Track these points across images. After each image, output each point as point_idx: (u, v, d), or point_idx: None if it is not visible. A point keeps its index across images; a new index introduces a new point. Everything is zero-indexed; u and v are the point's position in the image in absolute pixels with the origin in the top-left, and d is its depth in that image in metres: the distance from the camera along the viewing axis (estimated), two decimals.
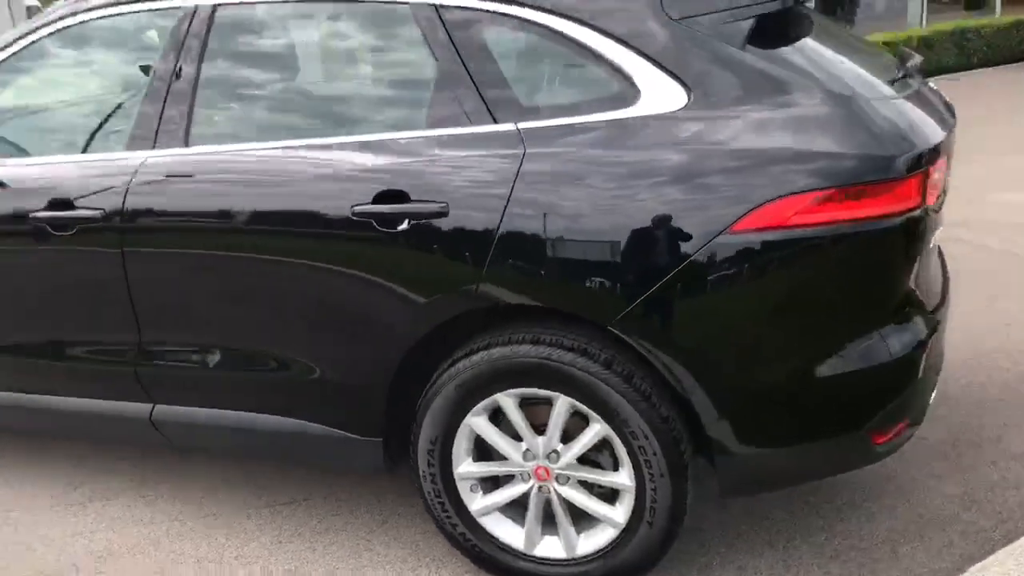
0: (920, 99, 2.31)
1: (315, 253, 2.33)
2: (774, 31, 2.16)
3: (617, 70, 2.14)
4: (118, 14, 2.65)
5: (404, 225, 2.21)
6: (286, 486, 2.98)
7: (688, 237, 2.02)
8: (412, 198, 2.20)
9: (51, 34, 2.73)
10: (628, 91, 2.13)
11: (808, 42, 2.26)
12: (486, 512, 2.42)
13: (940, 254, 2.73)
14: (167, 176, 2.48)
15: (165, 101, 2.51)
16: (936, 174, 2.14)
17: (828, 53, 2.27)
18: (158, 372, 2.64)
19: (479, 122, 2.23)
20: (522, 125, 2.19)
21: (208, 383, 2.61)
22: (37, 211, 2.58)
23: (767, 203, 1.98)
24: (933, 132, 2.15)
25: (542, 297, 2.18)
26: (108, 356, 2.69)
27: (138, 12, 2.63)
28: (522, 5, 2.22)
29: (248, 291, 2.46)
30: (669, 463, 2.17)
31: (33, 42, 2.75)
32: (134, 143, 2.55)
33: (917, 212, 2.06)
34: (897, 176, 2.00)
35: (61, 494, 3.02)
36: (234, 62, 2.53)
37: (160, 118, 2.51)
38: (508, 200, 2.13)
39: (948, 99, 2.63)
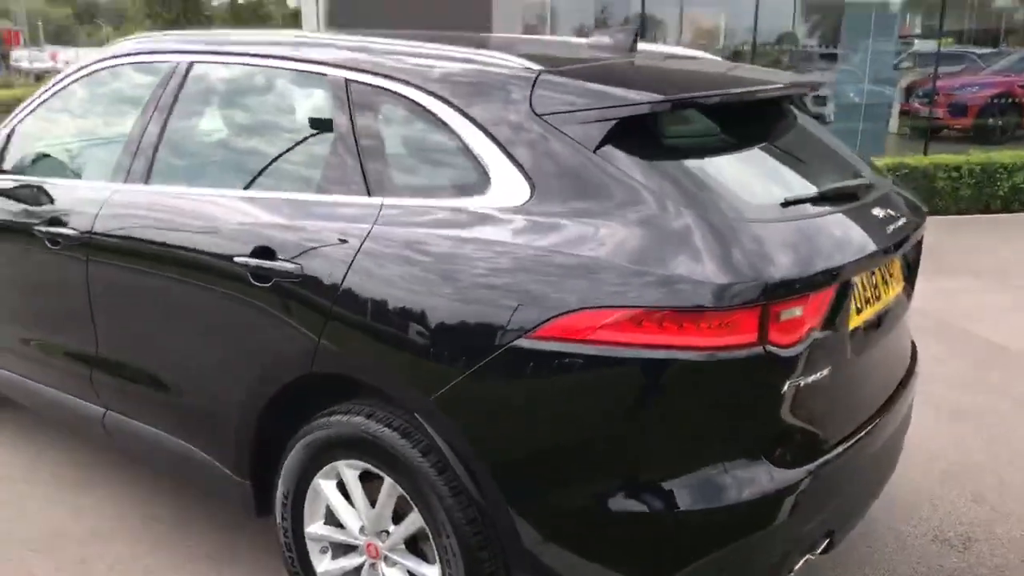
0: (835, 223, 2.09)
1: (206, 290, 2.48)
2: (640, 137, 2.04)
3: (476, 158, 2.12)
4: (131, 63, 3.00)
5: (269, 283, 2.30)
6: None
7: (490, 337, 1.95)
8: (278, 256, 2.29)
9: (76, 80, 3.14)
10: (481, 180, 2.10)
11: (687, 149, 2.12)
12: None
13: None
14: (124, 206, 2.75)
15: (139, 143, 2.79)
16: (798, 310, 1.91)
17: (711, 163, 2.11)
18: (106, 380, 2.91)
19: (356, 192, 2.28)
20: (385, 201, 2.22)
21: (129, 396, 2.84)
22: (42, 225, 2.95)
23: (568, 313, 1.87)
24: (800, 263, 1.92)
25: (362, 372, 2.19)
26: (74, 359, 3.01)
27: (141, 64, 2.96)
28: (412, 86, 2.26)
29: (155, 315, 2.66)
30: (467, 567, 2.08)
31: (64, 86, 3.17)
32: (114, 176, 2.85)
33: (750, 350, 1.85)
34: (718, 307, 1.82)
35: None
36: (186, 116, 2.77)
37: (133, 157, 2.80)
38: (347, 271, 2.16)
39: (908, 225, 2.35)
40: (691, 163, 2.07)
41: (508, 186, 2.06)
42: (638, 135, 2.04)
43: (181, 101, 2.76)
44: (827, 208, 2.14)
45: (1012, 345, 4.96)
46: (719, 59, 2.98)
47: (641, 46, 2.66)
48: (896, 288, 2.44)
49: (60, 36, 67.23)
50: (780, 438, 1.99)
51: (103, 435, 3.01)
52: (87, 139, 3.19)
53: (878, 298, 2.29)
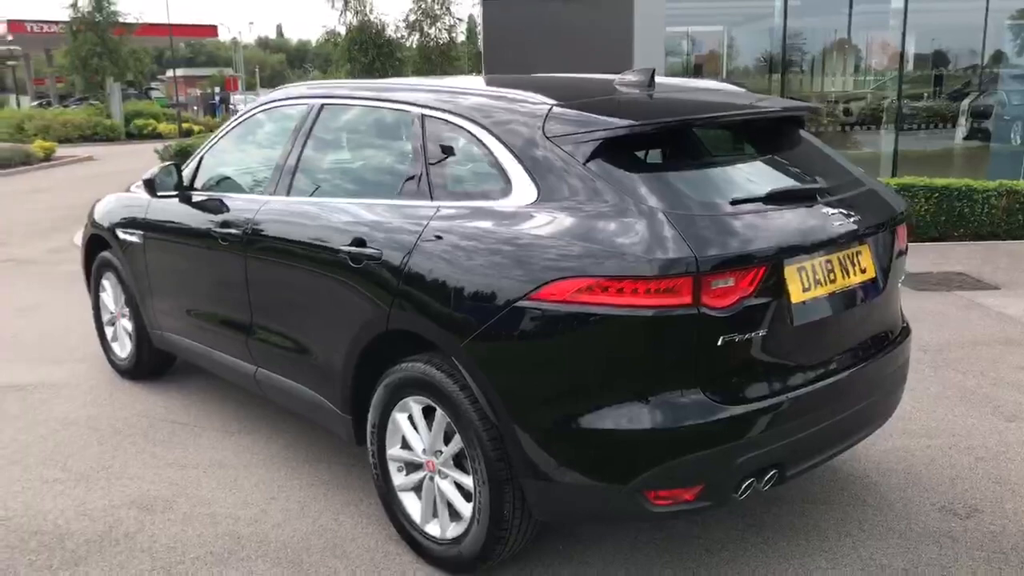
0: (774, 218, 2.66)
1: (322, 272, 3.32)
2: (620, 152, 2.71)
3: (504, 171, 2.86)
4: (282, 106, 3.97)
5: (361, 264, 3.13)
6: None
7: (500, 299, 2.66)
8: (367, 245, 3.12)
9: (246, 119, 4.14)
10: (506, 187, 2.84)
11: (662, 161, 2.76)
12: (403, 488, 3.19)
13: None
14: (271, 212, 3.68)
15: (284, 165, 3.73)
16: (730, 281, 2.50)
17: (679, 172, 2.74)
18: (256, 344, 3.85)
19: (422, 198, 3.07)
20: (440, 203, 2.99)
21: (273, 355, 3.75)
22: (217, 227, 3.93)
23: (553, 281, 2.56)
24: (732, 247, 2.51)
25: (419, 327, 2.94)
26: (235, 328, 3.97)
27: (288, 106, 3.92)
28: (464, 118, 3.04)
29: (290, 292, 3.55)
30: (489, 474, 2.78)
31: (238, 123, 4.20)
32: (267, 190, 3.80)
33: (687, 310, 2.46)
34: (661, 276, 2.44)
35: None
36: (316, 144, 3.68)
37: (280, 175, 3.74)
38: (409, 255, 2.95)
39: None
40: (660, 172, 2.72)
41: (523, 190, 2.78)
42: (619, 150, 2.71)
43: (313, 134, 3.67)
44: (771, 207, 2.70)
45: None
46: (737, 89, 3.55)
47: (667, 80, 3.32)
48: (861, 274, 2.93)
49: (273, 80, 73.78)
50: (718, 380, 2.57)
51: (256, 387, 3.95)
52: (253, 163, 4.18)
53: (833, 281, 2.81)
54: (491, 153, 2.92)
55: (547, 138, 2.80)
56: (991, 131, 11.90)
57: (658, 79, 3.25)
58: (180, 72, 51.79)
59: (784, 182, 3.00)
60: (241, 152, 4.28)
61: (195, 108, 41.66)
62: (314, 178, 3.67)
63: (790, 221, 2.73)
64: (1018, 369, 4.93)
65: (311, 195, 3.62)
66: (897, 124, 10.86)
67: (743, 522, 3.32)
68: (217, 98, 42.25)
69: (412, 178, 3.17)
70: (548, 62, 7.96)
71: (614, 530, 3.26)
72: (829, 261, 2.81)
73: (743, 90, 3.57)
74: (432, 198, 3.06)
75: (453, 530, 3.01)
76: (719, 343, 2.53)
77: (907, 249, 3.31)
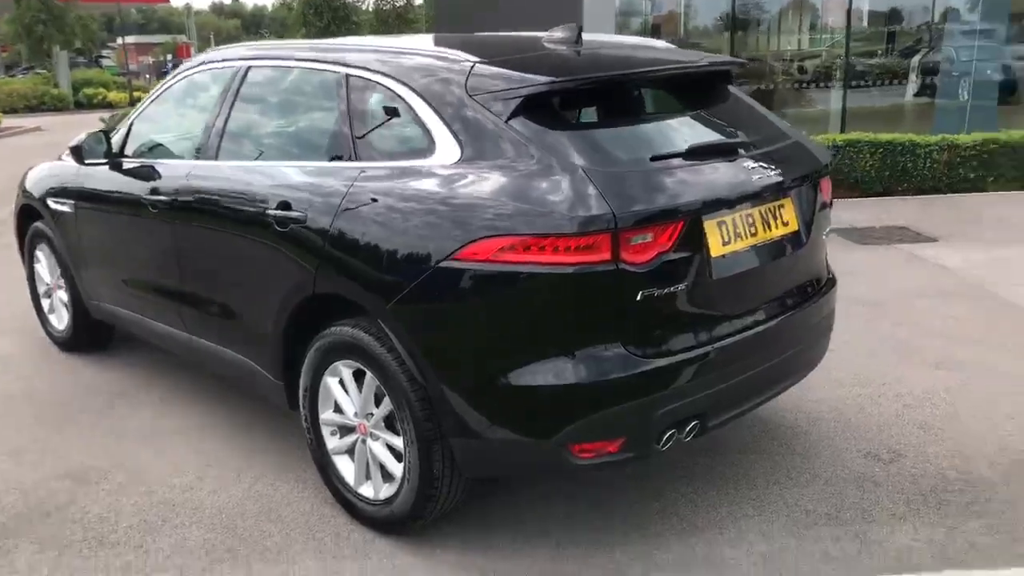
0: (694, 174, 2.69)
1: (251, 237, 3.29)
2: (542, 109, 2.70)
3: (428, 130, 2.84)
4: (210, 69, 3.89)
5: (286, 228, 3.10)
6: None
7: (425, 259, 2.66)
8: (292, 208, 3.09)
9: (181, 80, 4.06)
10: (429, 146, 2.82)
11: (585, 118, 2.75)
12: (337, 451, 3.20)
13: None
14: (198, 178, 3.62)
15: (211, 129, 3.67)
16: (648, 237, 2.52)
17: (600, 128, 2.75)
18: (188, 311, 3.81)
19: (347, 158, 3.05)
20: (363, 164, 2.97)
21: (205, 322, 3.72)
22: (146, 194, 3.87)
23: (476, 241, 2.56)
24: (648, 203, 2.53)
25: (345, 291, 2.94)
26: (168, 296, 3.93)
27: (216, 69, 3.85)
28: (389, 77, 3.01)
29: (219, 258, 3.52)
30: (418, 434, 2.80)
31: (167, 89, 4.12)
32: (194, 155, 3.74)
33: (607, 266, 2.48)
34: (581, 233, 2.46)
35: None
36: (242, 107, 3.62)
37: (207, 139, 3.68)
38: (334, 217, 2.93)
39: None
40: (583, 129, 2.73)
41: (446, 149, 2.77)
42: (542, 108, 2.71)
43: (240, 97, 3.61)
44: (692, 162, 2.72)
45: None
46: (666, 45, 3.56)
47: (591, 37, 3.31)
48: (784, 228, 2.97)
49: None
50: (639, 334, 2.61)
51: (190, 355, 3.92)
52: (182, 128, 4.11)
53: (754, 234, 2.84)
54: (414, 112, 2.89)
55: (470, 96, 2.78)
56: (938, 87, 12.01)
57: (586, 36, 3.23)
58: (131, 39, 50.55)
59: (706, 137, 3.01)
60: (170, 117, 4.20)
61: (147, 76, 40.78)
62: (241, 142, 3.61)
63: (710, 176, 2.75)
64: (949, 319, 5.05)
65: (238, 159, 3.57)
66: (845, 81, 10.95)
67: (674, 473, 3.39)
68: (170, 66, 41.34)
69: (337, 139, 3.14)
70: (497, 23, 7.89)
71: (552, 488, 3.31)
72: (750, 215, 2.85)
73: (672, 46, 3.57)
74: (357, 159, 3.03)
75: (386, 491, 3.03)
76: (639, 298, 2.56)
77: (831, 202, 3.36)
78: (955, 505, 3.14)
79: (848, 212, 7.82)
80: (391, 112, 3.00)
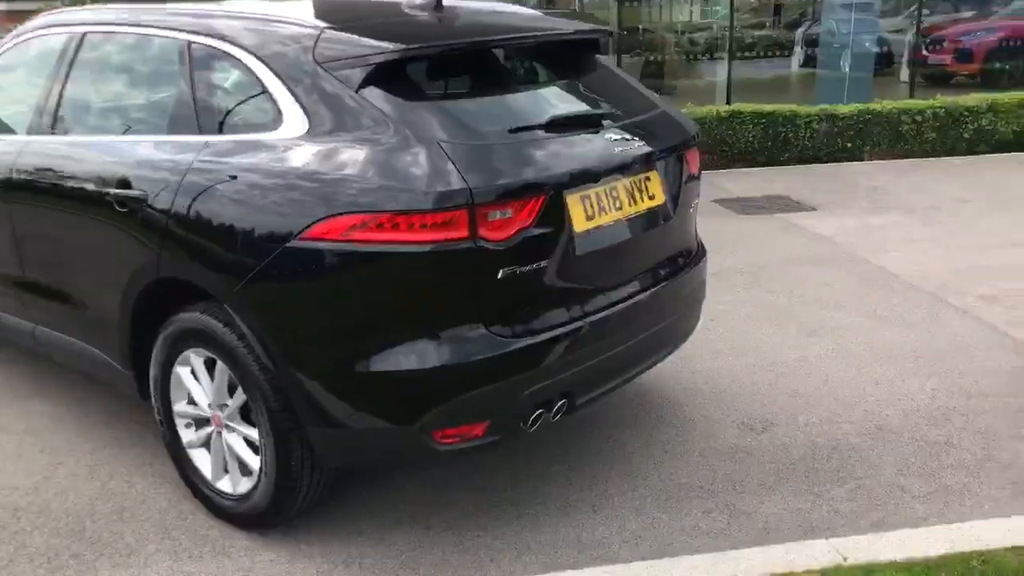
0: (555, 146, 2.59)
1: (91, 218, 3.04)
2: (392, 78, 2.55)
3: (275, 101, 2.66)
4: (44, 35, 3.58)
5: (127, 208, 2.88)
6: None
7: (272, 240, 2.50)
8: (132, 187, 2.86)
9: (13, 47, 3.72)
10: (276, 118, 2.64)
11: (440, 89, 2.63)
12: (192, 445, 3.02)
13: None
14: (33, 154, 3.34)
15: (46, 101, 3.38)
16: (507, 212, 2.42)
17: (457, 100, 2.63)
18: (32, 299, 3.53)
19: (190, 132, 2.84)
20: (209, 138, 2.77)
21: (50, 311, 3.45)
22: None
23: (324, 219, 2.41)
24: (506, 177, 2.43)
25: (190, 275, 2.75)
26: (8, 284, 3.63)
27: (51, 35, 3.54)
28: (234, 45, 2.80)
29: (59, 241, 3.26)
30: (273, 425, 2.64)
31: (1, 54, 3.78)
32: (27, 130, 3.45)
33: (465, 243, 2.37)
34: (436, 210, 2.33)
35: None
36: (78, 77, 3.34)
37: (42, 113, 3.39)
38: (175, 196, 2.72)
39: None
40: (439, 100, 2.60)
41: (293, 122, 2.60)
42: (394, 77, 2.56)
43: (77, 66, 3.33)
44: (554, 134, 2.63)
45: (904, 273, 5.33)
46: (532, 12, 3.46)
47: (453, 2, 3.17)
48: (650, 201, 2.92)
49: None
50: (501, 314, 2.51)
51: (37, 346, 3.64)
52: (15, 100, 3.78)
53: (619, 208, 2.78)
54: (260, 82, 2.70)
55: (318, 64, 2.61)
56: (819, 59, 12.32)
57: (449, 1, 3.10)
58: (3, 6, 47.28)
59: (570, 108, 2.94)
60: (2, 89, 3.86)
61: None
62: (79, 115, 3.35)
63: (572, 148, 2.67)
64: (823, 286, 5.16)
65: (75, 134, 3.30)
66: (730, 52, 11.08)
67: (548, 452, 3.33)
68: None
69: (180, 112, 2.92)
70: None
71: (425, 473, 3.20)
72: (615, 188, 2.78)
73: (539, 13, 3.47)
74: (201, 132, 2.82)
75: (244, 485, 2.87)
76: (500, 276, 2.46)
77: (700, 174, 3.32)
78: (822, 472, 3.19)
79: (732, 182, 7.94)
80: (235, 82, 2.80)
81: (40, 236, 3.36)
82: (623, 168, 2.79)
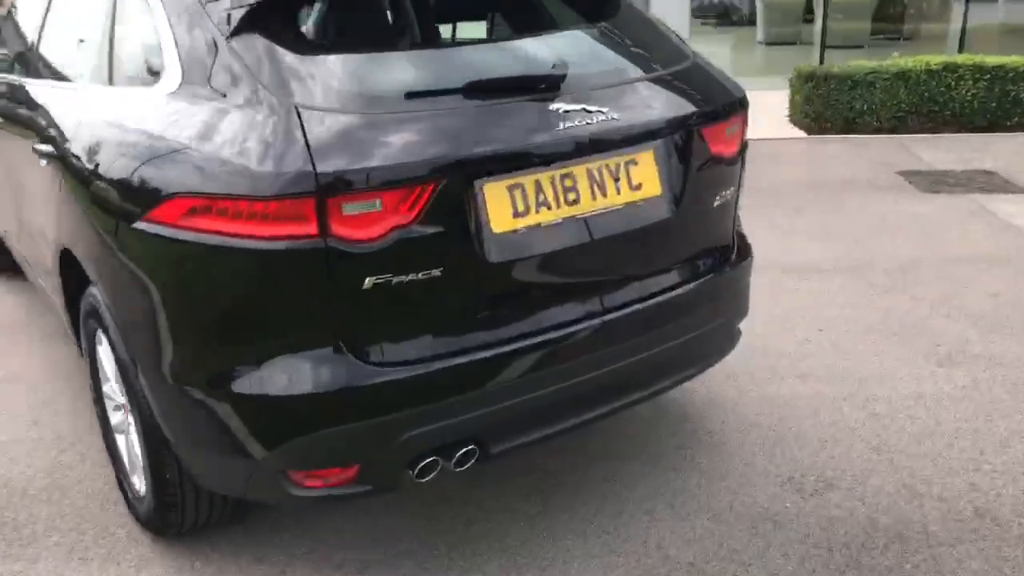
0: (469, 116, 1.96)
1: (30, 174, 2.79)
2: (276, 24, 2.02)
3: (160, 49, 2.21)
4: None
5: (45, 164, 2.57)
6: None
7: (119, 218, 2.08)
8: (43, 141, 2.55)
9: None
10: (161, 69, 2.19)
11: (331, 41, 2.07)
12: (117, 430, 2.71)
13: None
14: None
15: (27, 46, 3.18)
16: (374, 204, 1.83)
17: (347, 55, 2.05)
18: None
19: (102, 83, 2.47)
20: (105, 89, 2.40)
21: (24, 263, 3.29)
22: None
23: (167, 199, 1.94)
24: (377, 157, 1.84)
25: (71, 243, 2.40)
26: None
27: None
28: None
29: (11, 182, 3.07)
30: (144, 427, 2.26)
31: None
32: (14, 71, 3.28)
33: (313, 242, 1.82)
34: (276, 197, 1.80)
35: None
36: (51, 23, 3.10)
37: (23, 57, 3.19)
38: (68, 155, 2.37)
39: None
40: (323, 54, 2.02)
41: (171, 74, 2.14)
42: (273, 23, 2.02)
43: (50, 9, 3.09)
44: (474, 101, 1.99)
45: None
46: None
47: None
48: (633, 192, 2.19)
49: None
50: (371, 335, 1.94)
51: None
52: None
53: (574, 201, 2.09)
54: (155, 27, 2.26)
55: (201, 6, 2.12)
56: None
57: None
58: None
59: (511, 66, 2.22)
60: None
61: None
62: (43, 60, 3.09)
63: (501, 121, 2.01)
64: (987, 296, 4.04)
65: (41, 78, 3.06)
66: None
67: (515, 487, 2.72)
68: None
69: (100, 60, 2.56)
70: None
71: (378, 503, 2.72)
72: (569, 175, 2.09)
73: None
74: (112, 83, 2.45)
75: (142, 487, 2.53)
76: (367, 287, 1.88)
77: (741, 155, 2.51)
78: (867, 569, 2.36)
79: (931, 151, 6.64)
80: (140, 27, 2.38)
81: (8, 177, 3.20)
82: (585, 148, 2.08)
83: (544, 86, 2.09)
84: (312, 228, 1.82)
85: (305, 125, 1.84)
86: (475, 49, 2.27)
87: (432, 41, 2.35)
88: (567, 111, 2.06)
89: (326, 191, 1.79)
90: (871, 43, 12.38)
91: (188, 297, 1.99)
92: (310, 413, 1.94)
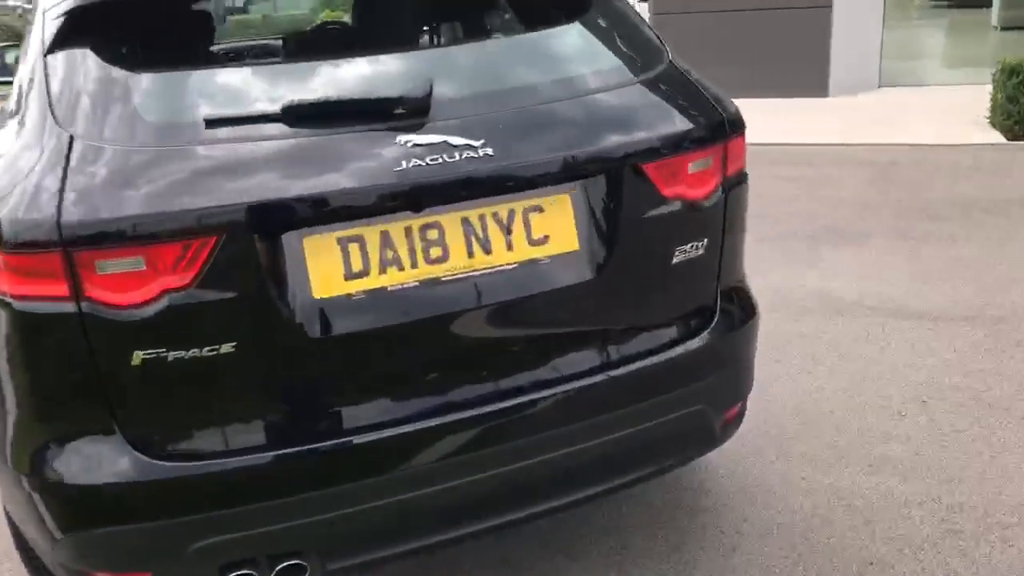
0: (286, 151, 1.56)
1: None
2: (92, 35, 1.71)
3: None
4: None
5: None
6: None
7: None
8: None
9: None
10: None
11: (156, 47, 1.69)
12: None
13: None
14: None
15: None
16: (137, 262, 1.46)
17: (165, 68, 1.68)
18: None
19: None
20: None
21: None
22: None
23: None
24: (142, 202, 1.47)
25: None
26: None
27: None
28: None
29: None
30: None
31: None
32: None
33: (63, 304, 1.48)
34: (7, 248, 1.47)
35: None
36: None
37: None
38: None
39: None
40: (128, 74, 1.66)
41: (10, 101, 1.88)
42: (90, 34, 1.70)
43: None
44: (303, 129, 1.56)
45: None
46: None
47: None
48: (538, 246, 1.68)
49: None
50: (148, 419, 1.57)
51: None
52: None
53: (443, 259, 1.62)
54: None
55: (44, 12, 1.83)
56: None
57: None
58: None
59: (352, 87, 1.76)
60: None
61: None
62: None
63: (325, 157, 1.56)
64: None
65: None
66: None
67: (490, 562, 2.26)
68: None
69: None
70: None
71: None
72: (434, 225, 1.61)
73: None
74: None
75: None
76: (136, 362, 1.51)
77: (730, 193, 1.88)
78: None
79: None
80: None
81: None
82: (456, 192, 1.59)
83: (402, 111, 1.61)
84: (63, 288, 1.47)
85: (71, 163, 1.50)
86: (322, 66, 1.81)
87: (283, 55, 1.93)
88: (426, 144, 1.58)
89: (72, 244, 1.44)
90: None
91: None
92: (85, 507, 1.61)
